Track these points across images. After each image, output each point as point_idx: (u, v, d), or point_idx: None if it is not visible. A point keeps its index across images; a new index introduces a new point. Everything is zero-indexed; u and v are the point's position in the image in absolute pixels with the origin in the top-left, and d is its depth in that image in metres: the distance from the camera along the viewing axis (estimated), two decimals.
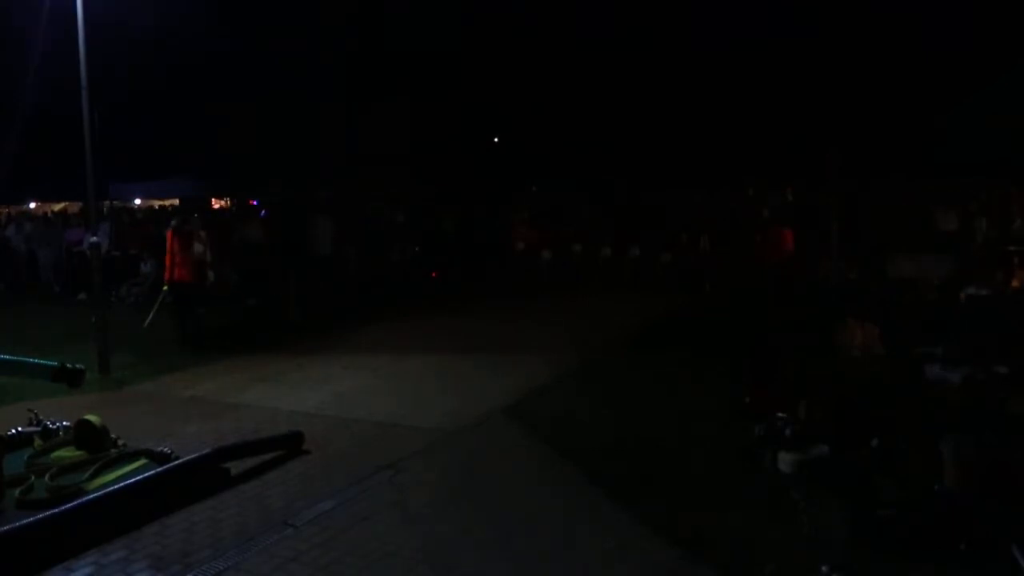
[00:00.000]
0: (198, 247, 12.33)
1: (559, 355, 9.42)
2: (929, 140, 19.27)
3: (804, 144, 20.54)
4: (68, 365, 6.08)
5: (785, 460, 5.09)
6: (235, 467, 5.73)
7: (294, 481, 5.63)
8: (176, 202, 26.75)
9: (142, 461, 5.64)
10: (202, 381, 8.69)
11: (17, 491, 5.07)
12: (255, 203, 25.02)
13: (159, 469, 5.34)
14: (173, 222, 11.30)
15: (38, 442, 6.07)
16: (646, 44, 28.29)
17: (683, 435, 6.37)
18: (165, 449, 5.75)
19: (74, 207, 26.56)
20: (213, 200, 28.80)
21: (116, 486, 5.05)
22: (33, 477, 5.32)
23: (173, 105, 30.71)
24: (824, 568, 3.97)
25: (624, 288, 15.08)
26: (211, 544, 4.65)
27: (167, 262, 10.84)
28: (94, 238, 9.62)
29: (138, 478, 5.17)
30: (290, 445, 6.21)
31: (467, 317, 12.57)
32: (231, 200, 28.59)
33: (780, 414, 5.44)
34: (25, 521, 4.50)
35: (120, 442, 6.04)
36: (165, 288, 11.14)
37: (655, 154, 26.83)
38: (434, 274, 16.61)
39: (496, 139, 34.01)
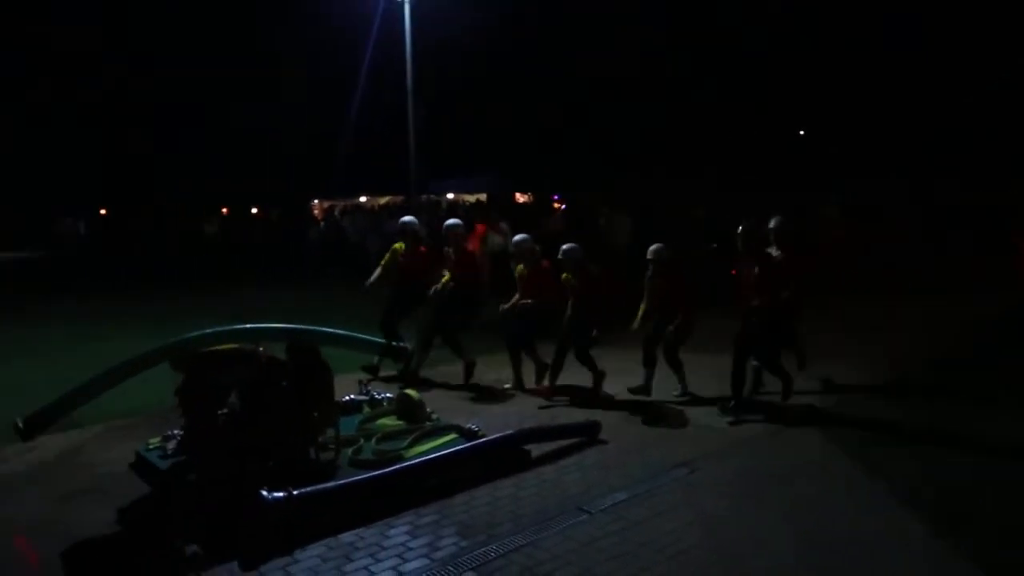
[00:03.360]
0: (498, 239, 13.02)
1: (870, 364, 8.77)
2: None
3: None
4: (394, 343, 6.72)
5: None
6: (535, 449, 5.99)
7: (590, 469, 5.75)
8: (483, 196, 28.56)
9: (453, 436, 6.09)
10: (508, 365, 9.11)
11: (350, 450, 5.72)
12: (556, 197, 26.01)
13: (468, 444, 5.72)
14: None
15: (366, 409, 6.80)
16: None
17: (1012, 465, 5.64)
18: (473, 426, 6.16)
19: (396, 201, 29.31)
20: (517, 195, 30.34)
21: (432, 455, 5.49)
22: (362, 440, 5.96)
23: (482, 104, 32.79)
24: None
25: (944, 290, 13.73)
26: (512, 519, 4.89)
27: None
28: None
29: (450, 450, 5.57)
30: (588, 433, 6.36)
31: None
32: (533, 195, 29.95)
33: None
34: (359, 477, 5.05)
35: (434, 416, 6.57)
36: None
37: (984, 149, 24.07)
38: (734, 272, 16.04)
39: (801, 132, 32.40)
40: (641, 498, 5.17)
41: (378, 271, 8.64)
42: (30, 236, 36.54)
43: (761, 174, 25.48)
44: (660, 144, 29.07)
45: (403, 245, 8.58)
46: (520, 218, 17.73)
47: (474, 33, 29.15)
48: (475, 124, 32.68)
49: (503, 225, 13.33)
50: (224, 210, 30.51)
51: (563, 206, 23.16)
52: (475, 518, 4.92)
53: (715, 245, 16.93)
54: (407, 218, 8.83)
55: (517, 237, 8.20)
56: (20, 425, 4.85)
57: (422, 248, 8.54)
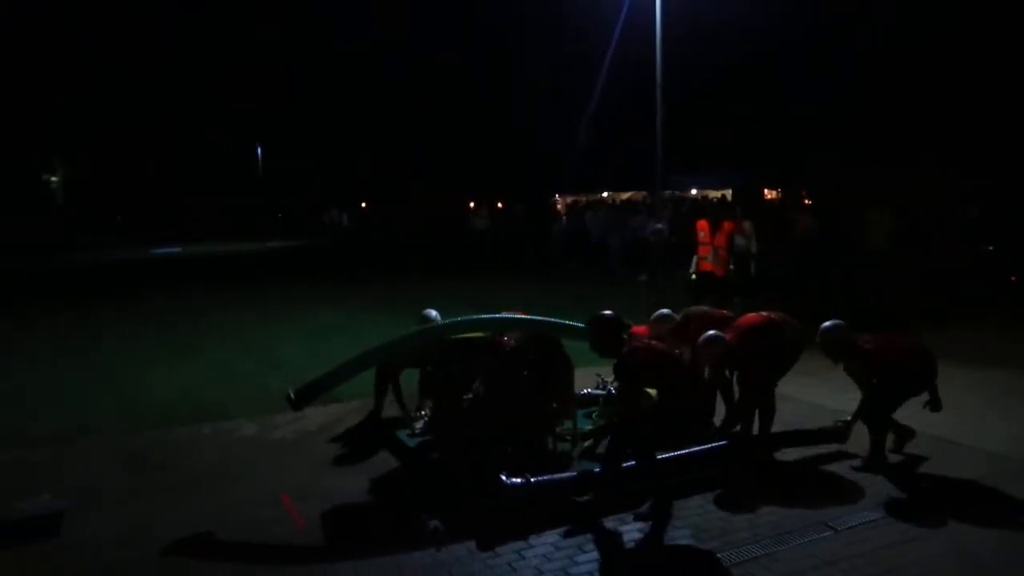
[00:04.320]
0: (741, 240, 12.46)
1: None
2: None
3: None
4: None
5: None
6: (779, 455, 5.77)
7: (837, 482, 5.41)
8: (728, 192, 27.69)
9: None
10: None
11: (585, 444, 5.78)
12: (805, 193, 24.57)
13: (708, 445, 5.55)
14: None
15: (602, 403, 6.84)
16: None
17: None
18: None
19: (637, 196, 29.14)
20: (765, 191, 29.07)
21: (669, 454, 5.39)
22: None
23: (730, 96, 31.82)
24: None
25: None
26: (748, 528, 4.71)
27: (699, 252, 10.96)
28: (659, 225, 10.35)
29: (688, 450, 5.42)
30: (836, 440, 5.97)
31: None
32: (782, 191, 28.57)
33: None
34: (591, 470, 5.10)
35: None
36: (693, 276, 11.28)
37: None
38: (1014, 278, 14.37)
39: None
40: (892, 520, 4.78)
41: None
42: (303, 226, 41.02)
43: None
44: (932, 133, 26.45)
45: None
46: (767, 216, 16.94)
47: (726, 25, 28.34)
48: (721, 118, 31.77)
49: (746, 225, 12.68)
50: (472, 204, 31.89)
51: (808, 201, 21.84)
52: (710, 522, 4.80)
53: (991, 248, 15.29)
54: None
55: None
56: (292, 396, 5.36)
57: None
